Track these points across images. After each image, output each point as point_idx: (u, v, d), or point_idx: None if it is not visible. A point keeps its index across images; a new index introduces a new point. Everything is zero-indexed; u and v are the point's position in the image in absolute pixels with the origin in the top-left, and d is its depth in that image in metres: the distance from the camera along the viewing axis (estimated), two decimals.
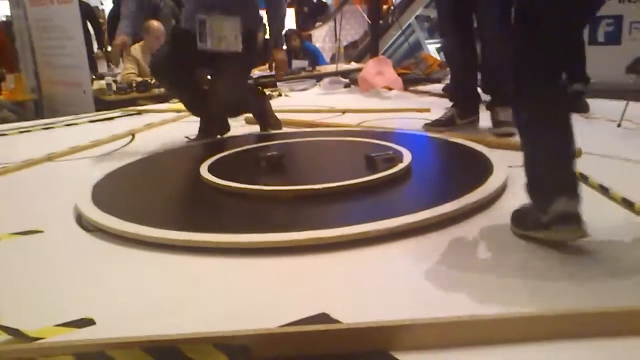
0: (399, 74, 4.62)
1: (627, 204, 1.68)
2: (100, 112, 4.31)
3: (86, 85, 4.84)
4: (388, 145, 2.38)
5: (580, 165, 1.52)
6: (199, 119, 3.05)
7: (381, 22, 7.05)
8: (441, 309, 1.14)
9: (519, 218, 1.53)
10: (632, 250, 1.43)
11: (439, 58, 5.59)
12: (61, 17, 4.89)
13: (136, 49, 5.05)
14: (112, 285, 1.40)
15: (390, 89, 4.42)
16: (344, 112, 3.63)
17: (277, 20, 2.95)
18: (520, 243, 1.49)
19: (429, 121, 2.98)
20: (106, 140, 3.10)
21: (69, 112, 4.54)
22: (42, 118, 4.62)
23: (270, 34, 3.01)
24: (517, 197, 1.63)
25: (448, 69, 3.69)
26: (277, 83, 4.88)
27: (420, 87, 4.64)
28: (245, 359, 1.00)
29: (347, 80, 4.98)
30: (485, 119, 2.94)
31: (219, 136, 3.02)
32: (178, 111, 3.99)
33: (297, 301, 1.24)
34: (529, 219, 1.47)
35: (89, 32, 6.21)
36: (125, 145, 3.05)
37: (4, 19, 7.15)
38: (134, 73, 5.00)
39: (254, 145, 2.67)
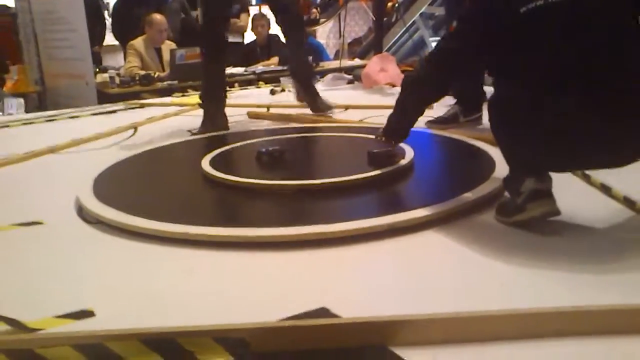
0: (402, 71, 4.60)
1: (629, 202, 1.67)
2: (103, 105, 4.31)
3: (89, 78, 4.84)
4: None
5: None
6: (202, 112, 3.05)
7: (385, 19, 7.04)
8: (441, 304, 1.14)
9: (501, 207, 1.63)
10: (633, 249, 1.43)
11: None
12: (65, 9, 4.89)
13: (139, 43, 5.05)
14: (112, 278, 1.40)
15: (394, 86, 4.40)
16: (346, 108, 3.62)
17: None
18: (523, 239, 1.48)
19: (432, 118, 2.97)
20: (109, 133, 3.10)
21: (72, 104, 4.54)
22: (45, 110, 4.62)
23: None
24: None
25: None
26: (281, 78, 4.87)
27: None
28: (243, 353, 1.00)
29: (350, 77, 4.96)
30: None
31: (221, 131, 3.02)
32: (181, 105, 3.99)
33: (296, 295, 1.24)
34: (509, 207, 1.57)
35: (99, 26, 6.16)
36: (128, 138, 3.04)
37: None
38: (137, 66, 5.00)
39: (256, 140, 2.67)
